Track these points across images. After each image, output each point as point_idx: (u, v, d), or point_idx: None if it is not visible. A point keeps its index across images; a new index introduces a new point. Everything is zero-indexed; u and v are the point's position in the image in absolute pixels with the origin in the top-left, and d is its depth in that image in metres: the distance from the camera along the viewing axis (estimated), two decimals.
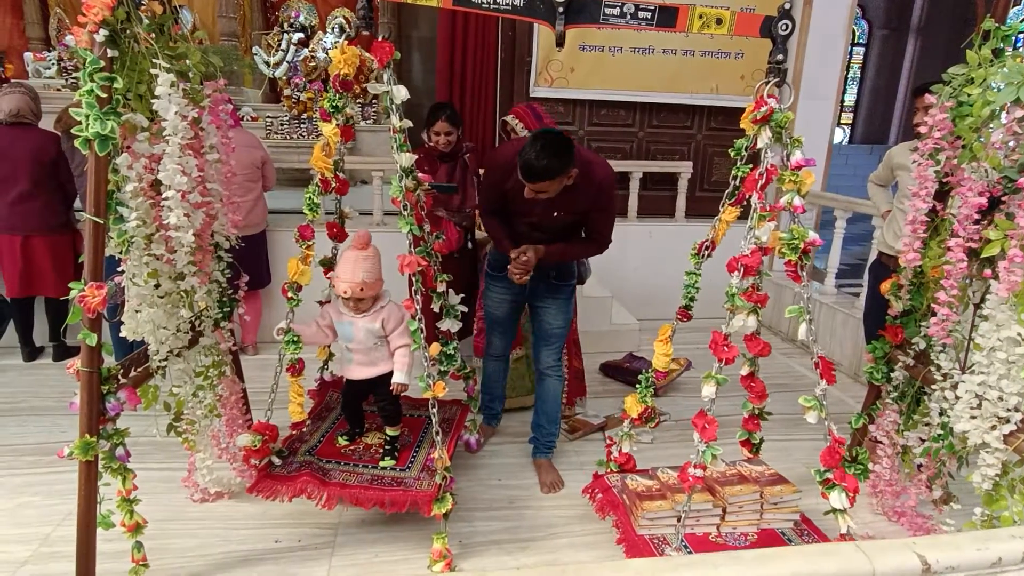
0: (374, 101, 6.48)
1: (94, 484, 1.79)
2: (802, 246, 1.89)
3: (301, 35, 6.59)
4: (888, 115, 13.52)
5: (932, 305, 2.11)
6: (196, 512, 2.41)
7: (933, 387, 2.15)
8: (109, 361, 1.83)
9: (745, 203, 2.07)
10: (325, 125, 2.17)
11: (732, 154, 2.07)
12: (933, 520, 2.40)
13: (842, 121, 13.50)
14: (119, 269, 1.91)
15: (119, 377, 1.87)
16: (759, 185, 1.92)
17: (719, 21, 1.88)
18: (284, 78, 6.51)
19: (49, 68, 6.19)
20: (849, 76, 13.14)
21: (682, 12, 1.91)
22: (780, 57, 1.88)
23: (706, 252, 2.26)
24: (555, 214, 2.38)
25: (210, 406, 2.31)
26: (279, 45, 6.58)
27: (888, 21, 13.02)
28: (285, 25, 6.69)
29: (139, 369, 2.01)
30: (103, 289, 1.72)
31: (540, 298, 2.62)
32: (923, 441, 2.25)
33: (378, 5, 6.26)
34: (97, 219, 1.71)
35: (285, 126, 6.19)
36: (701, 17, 1.88)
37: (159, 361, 2.03)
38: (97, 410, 1.77)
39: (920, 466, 2.34)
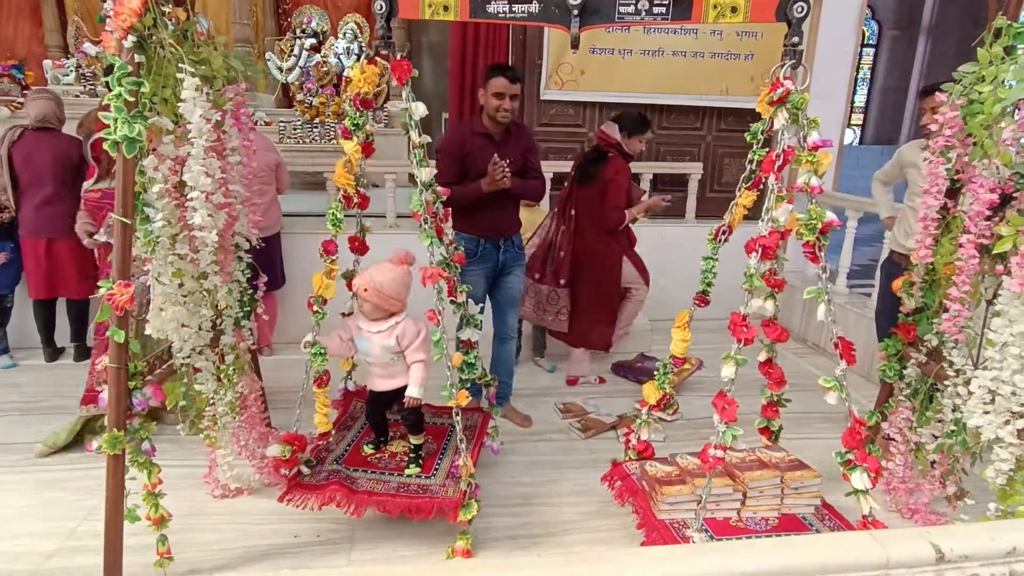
0: (386, 105, 6.55)
1: (121, 477, 1.84)
2: (820, 226, 1.90)
3: (313, 41, 6.67)
4: (899, 116, 13.47)
5: (944, 302, 2.12)
6: (217, 508, 2.46)
7: (946, 383, 2.16)
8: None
9: (762, 186, 2.09)
10: (346, 143, 2.21)
11: (748, 138, 2.08)
12: (947, 517, 2.40)
13: (852, 122, 13.46)
14: (144, 268, 1.96)
15: (144, 374, 1.92)
16: (776, 166, 1.93)
17: (734, 9, 1.87)
18: (297, 83, 6.59)
19: (67, 75, 6.30)
20: (859, 77, 13.09)
21: (696, 3, 1.92)
22: (796, 39, 1.88)
23: (723, 236, 2.27)
24: (508, 161, 2.84)
25: (231, 404, 2.36)
26: (292, 51, 6.66)
27: (898, 22, 12.98)
28: (297, 31, 6.77)
29: (163, 366, 2.06)
30: (131, 287, 1.77)
31: (509, 266, 3.07)
32: (936, 438, 2.26)
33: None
34: (125, 219, 1.76)
35: (298, 130, 6.27)
36: (716, 7, 1.88)
37: (182, 359, 2.08)
38: (125, 405, 1.82)
39: (933, 463, 2.35)
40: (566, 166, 4.70)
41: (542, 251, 3.63)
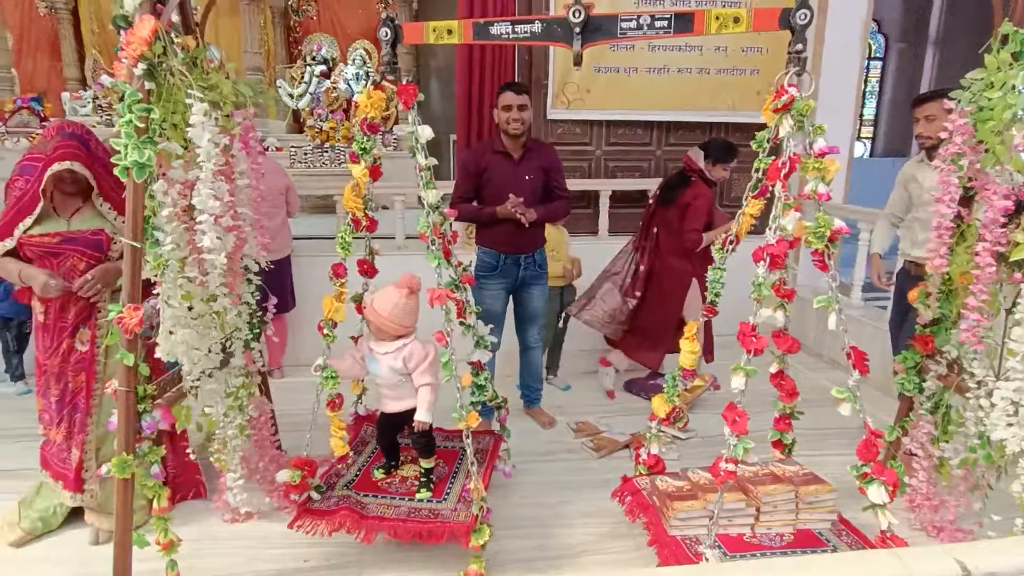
0: (394, 127, 6.63)
1: (131, 501, 1.83)
2: (828, 234, 1.87)
3: (323, 67, 6.80)
4: (908, 128, 13.34)
5: (962, 311, 2.08)
6: (227, 532, 2.44)
7: (967, 395, 2.11)
8: None
9: (769, 195, 2.06)
10: (354, 167, 2.23)
11: (754, 146, 2.06)
12: (974, 534, 2.32)
13: (862, 135, 13.41)
14: (154, 292, 1.97)
15: (154, 397, 1.92)
16: (782, 174, 1.90)
17: (736, 20, 1.86)
18: (307, 109, 6.71)
19: (85, 106, 6.47)
20: (867, 90, 13.08)
21: (698, 16, 1.91)
22: (800, 47, 1.86)
23: (730, 246, 2.25)
24: (527, 177, 3.01)
25: (240, 426, 2.35)
26: (302, 77, 6.79)
27: (904, 34, 12.97)
28: (308, 58, 6.91)
29: (172, 389, 2.06)
30: (140, 310, 1.78)
31: (527, 285, 3.18)
32: (960, 452, 2.20)
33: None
34: (135, 243, 1.78)
35: (308, 155, 6.37)
36: (718, 18, 1.87)
37: (192, 381, 2.08)
38: (134, 429, 1.82)
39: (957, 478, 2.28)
40: (571, 184, 4.73)
41: (626, 264, 3.80)
